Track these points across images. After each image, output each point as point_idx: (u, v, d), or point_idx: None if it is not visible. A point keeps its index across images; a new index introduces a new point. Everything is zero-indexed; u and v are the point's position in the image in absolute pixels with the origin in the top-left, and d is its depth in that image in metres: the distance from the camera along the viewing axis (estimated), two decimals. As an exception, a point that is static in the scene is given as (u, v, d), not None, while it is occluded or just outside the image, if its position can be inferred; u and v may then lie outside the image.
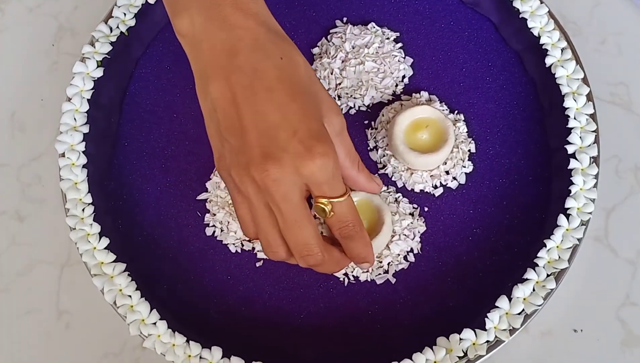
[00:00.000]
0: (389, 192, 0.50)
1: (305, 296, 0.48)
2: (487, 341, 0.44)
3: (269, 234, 0.42)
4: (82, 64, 0.52)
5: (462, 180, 0.50)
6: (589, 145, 0.48)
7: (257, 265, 0.49)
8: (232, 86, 0.40)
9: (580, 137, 0.49)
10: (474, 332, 0.44)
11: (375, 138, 0.52)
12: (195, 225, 0.50)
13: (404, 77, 0.54)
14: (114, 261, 0.47)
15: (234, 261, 0.49)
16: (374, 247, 0.47)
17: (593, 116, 0.49)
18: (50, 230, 0.52)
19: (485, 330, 0.44)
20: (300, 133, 0.39)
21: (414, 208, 0.50)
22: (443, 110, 0.52)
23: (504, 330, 0.44)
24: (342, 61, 0.53)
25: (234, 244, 0.49)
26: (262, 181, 0.39)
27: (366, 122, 0.53)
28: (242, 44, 0.40)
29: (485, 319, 0.44)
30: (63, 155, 0.49)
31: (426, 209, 0.50)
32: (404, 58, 0.54)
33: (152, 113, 0.54)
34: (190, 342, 0.44)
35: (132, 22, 0.54)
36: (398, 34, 0.55)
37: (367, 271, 0.48)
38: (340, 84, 0.53)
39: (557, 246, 0.46)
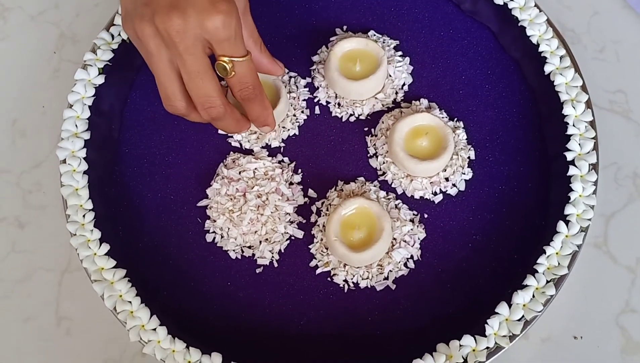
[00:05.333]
0: (389, 199, 0.50)
1: (305, 303, 0.48)
2: (487, 347, 0.44)
3: (168, 88, 0.44)
4: (84, 71, 0.52)
5: (462, 187, 0.51)
6: (588, 152, 0.49)
7: (257, 271, 0.49)
8: None
9: (579, 144, 0.49)
10: (474, 338, 0.44)
11: (375, 145, 0.52)
12: (195, 231, 0.50)
13: (403, 84, 0.54)
14: (114, 267, 0.47)
15: (234, 268, 0.49)
16: (374, 254, 0.47)
17: (592, 123, 0.50)
18: (51, 237, 0.52)
19: (485, 336, 0.44)
20: None
21: (414, 214, 0.50)
22: (442, 117, 0.52)
23: (504, 336, 0.44)
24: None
25: (234, 250, 0.49)
26: (165, 31, 0.41)
27: (366, 129, 0.53)
28: None
29: (485, 325, 0.44)
30: (64, 161, 0.50)
31: (426, 216, 0.50)
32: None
33: (152, 120, 0.54)
34: (190, 347, 0.44)
35: (134, 30, 0.54)
36: (398, 42, 0.55)
37: (366, 279, 0.48)
38: (340, 91, 0.53)
39: (557, 253, 0.46)
